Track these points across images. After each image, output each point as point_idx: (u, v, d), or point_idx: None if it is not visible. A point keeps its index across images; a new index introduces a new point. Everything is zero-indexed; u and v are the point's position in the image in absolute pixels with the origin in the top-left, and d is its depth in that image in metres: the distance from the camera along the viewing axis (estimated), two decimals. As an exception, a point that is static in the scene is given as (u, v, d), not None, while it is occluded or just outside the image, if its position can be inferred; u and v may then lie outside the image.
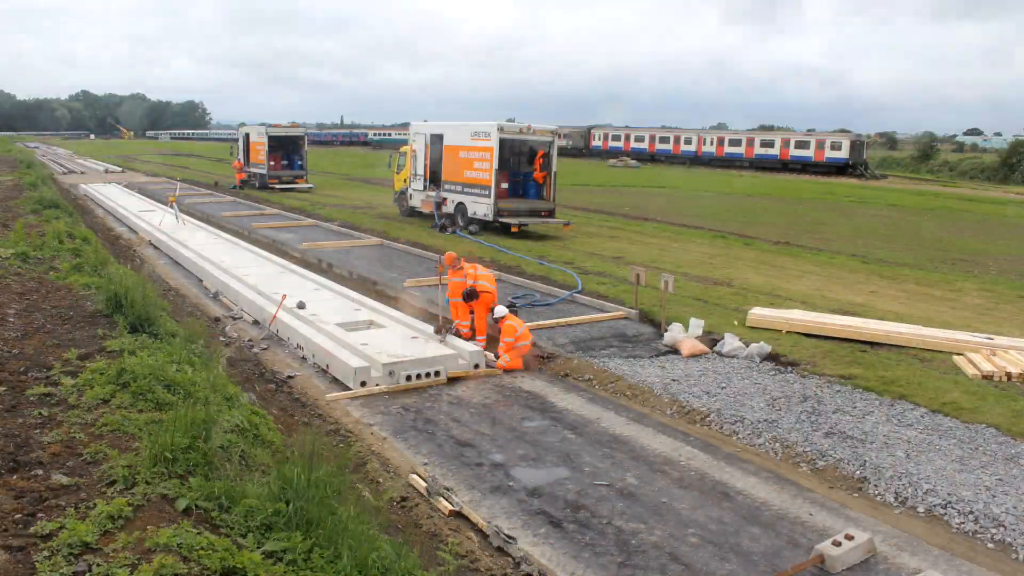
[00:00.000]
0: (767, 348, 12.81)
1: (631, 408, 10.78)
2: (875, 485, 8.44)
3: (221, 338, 13.10)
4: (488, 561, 6.80)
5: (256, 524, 5.21)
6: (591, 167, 70.59)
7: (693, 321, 13.62)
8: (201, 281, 18.18)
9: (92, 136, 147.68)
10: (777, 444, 9.46)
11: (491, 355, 12.57)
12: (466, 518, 7.56)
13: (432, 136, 28.12)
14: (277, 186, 41.39)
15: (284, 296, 14.12)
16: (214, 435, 6.25)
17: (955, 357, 12.51)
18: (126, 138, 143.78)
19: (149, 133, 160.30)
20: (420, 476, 8.32)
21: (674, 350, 13.15)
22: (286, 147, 42.52)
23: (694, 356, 12.78)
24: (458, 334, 13.05)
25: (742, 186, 53.09)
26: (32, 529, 4.64)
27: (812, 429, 9.80)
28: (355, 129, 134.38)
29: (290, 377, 11.53)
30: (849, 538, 6.87)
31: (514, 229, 25.18)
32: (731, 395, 11.03)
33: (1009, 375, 11.56)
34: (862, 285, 18.88)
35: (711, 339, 13.46)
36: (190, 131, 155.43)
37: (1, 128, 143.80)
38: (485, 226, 25.85)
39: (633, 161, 78.78)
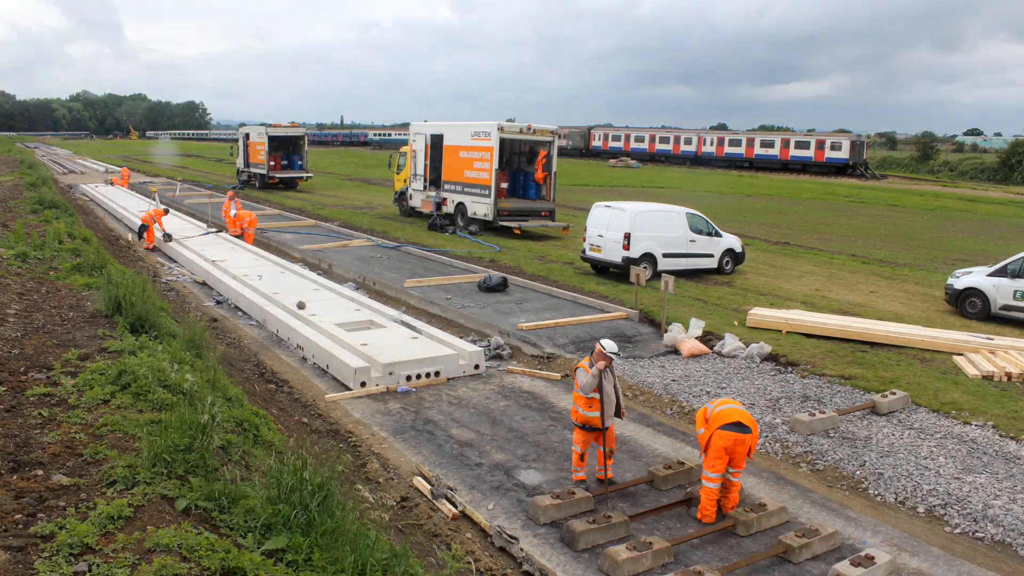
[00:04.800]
0: (767, 348, 12.81)
1: (631, 408, 10.77)
2: (875, 485, 8.44)
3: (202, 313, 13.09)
4: (488, 561, 6.80)
5: (256, 524, 5.20)
6: (591, 167, 70.58)
7: (693, 321, 13.62)
8: (205, 283, 18.20)
9: (93, 137, 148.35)
10: (777, 444, 9.46)
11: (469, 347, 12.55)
12: (468, 518, 7.56)
13: (432, 136, 28.11)
14: (277, 184, 41.50)
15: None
16: (214, 435, 6.25)
17: (955, 357, 12.51)
18: (133, 138, 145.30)
19: (149, 133, 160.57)
20: (424, 477, 8.31)
21: (674, 350, 13.15)
22: (286, 147, 42.54)
23: (694, 356, 12.78)
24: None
25: (742, 186, 53.09)
26: (32, 529, 4.63)
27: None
28: (355, 129, 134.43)
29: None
30: (870, 559, 6.64)
31: (516, 231, 25.21)
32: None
33: (1009, 375, 11.57)
34: (862, 285, 18.89)
35: (711, 339, 13.47)
36: (190, 131, 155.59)
37: (1, 128, 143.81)
38: (485, 226, 25.85)
39: (633, 161, 78.76)
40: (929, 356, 12.72)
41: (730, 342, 13.04)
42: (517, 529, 7.34)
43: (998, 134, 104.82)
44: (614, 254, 18.09)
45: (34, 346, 8.58)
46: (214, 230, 24.79)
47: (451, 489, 8.04)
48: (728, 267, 19.70)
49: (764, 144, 73.77)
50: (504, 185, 26.48)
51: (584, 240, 19.14)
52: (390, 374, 11.19)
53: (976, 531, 7.53)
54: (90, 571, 4.28)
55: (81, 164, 59.95)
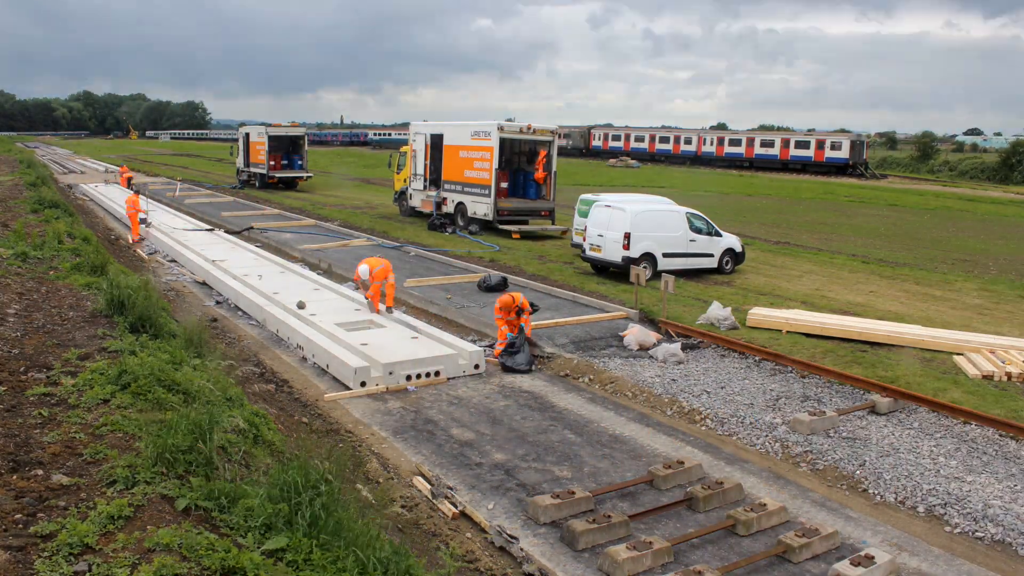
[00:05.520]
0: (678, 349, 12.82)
1: (631, 408, 10.78)
2: (875, 485, 8.44)
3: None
4: (488, 561, 6.80)
5: (256, 524, 5.20)
6: (591, 167, 70.55)
7: (715, 304, 14.42)
8: (205, 282, 18.19)
9: (93, 136, 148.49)
10: (777, 444, 9.45)
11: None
12: (468, 517, 7.56)
13: (432, 136, 28.12)
14: (277, 184, 41.52)
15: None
16: (214, 435, 6.24)
17: (955, 357, 12.51)
18: (133, 138, 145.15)
19: (149, 133, 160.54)
20: (424, 477, 8.31)
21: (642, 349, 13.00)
22: (286, 147, 42.55)
23: (643, 348, 13.05)
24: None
25: (742, 186, 53.08)
26: (32, 529, 4.63)
27: (812, 429, 9.79)
28: (355, 129, 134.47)
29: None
30: (870, 558, 6.62)
31: (515, 236, 25.20)
32: (731, 395, 11.04)
33: (1009, 375, 11.57)
34: (862, 285, 18.89)
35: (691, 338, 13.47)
36: (190, 131, 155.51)
37: (1, 128, 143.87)
38: (485, 226, 25.85)
39: (633, 161, 78.73)
40: (929, 356, 12.72)
41: (663, 349, 12.83)
42: (517, 529, 7.34)
43: (998, 134, 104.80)
44: (614, 254, 18.09)
45: (34, 346, 8.58)
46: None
47: (451, 489, 8.04)
48: (728, 267, 19.70)
49: (764, 144, 73.77)
50: (504, 185, 26.49)
51: (571, 232, 19.17)
52: (390, 374, 11.20)
53: (976, 531, 7.53)
54: (90, 571, 4.28)
55: (81, 164, 59.93)
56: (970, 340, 13.01)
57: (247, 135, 43.40)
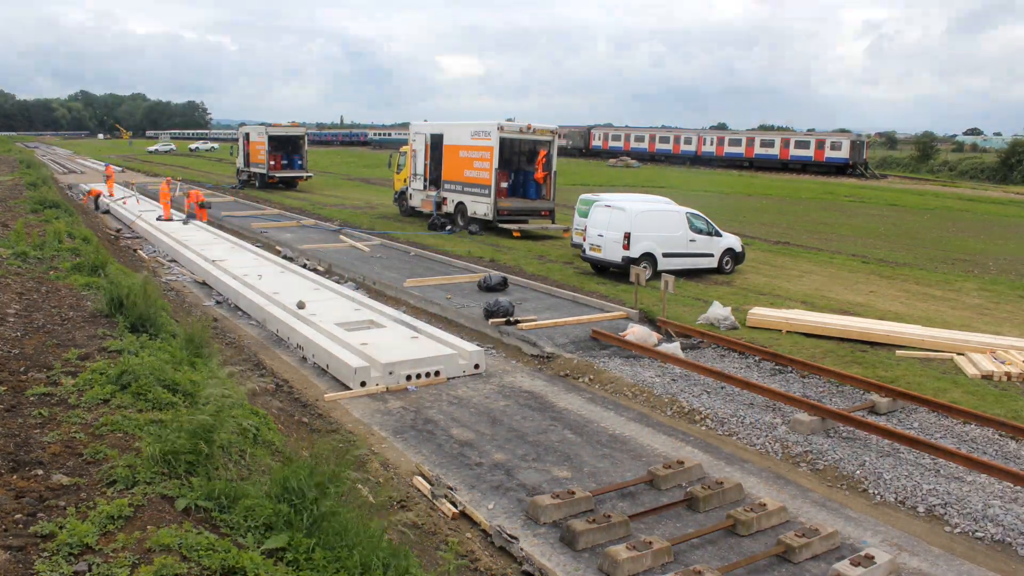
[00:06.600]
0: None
1: (631, 408, 10.78)
2: (875, 485, 8.44)
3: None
4: (488, 561, 6.80)
5: (256, 524, 5.20)
6: (591, 167, 70.56)
7: (715, 304, 14.25)
8: (205, 282, 18.20)
9: (101, 135, 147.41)
10: (777, 444, 9.45)
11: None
12: (467, 517, 7.56)
13: (432, 136, 28.13)
14: (277, 184, 41.53)
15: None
16: (214, 435, 6.24)
17: (956, 357, 12.51)
18: (125, 139, 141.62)
19: (149, 133, 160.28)
20: (424, 477, 8.31)
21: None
22: (286, 147, 42.55)
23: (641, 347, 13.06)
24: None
25: (742, 186, 53.10)
26: (32, 529, 4.63)
27: (811, 429, 9.79)
28: (355, 129, 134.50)
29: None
30: (870, 558, 6.59)
31: (516, 234, 25.22)
32: (731, 395, 11.04)
33: (1009, 375, 11.57)
34: (862, 285, 18.89)
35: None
36: (190, 131, 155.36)
37: (1, 128, 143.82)
38: (485, 225, 25.86)
39: (633, 161, 78.76)
40: (929, 356, 12.72)
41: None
42: (517, 529, 7.34)
43: (998, 134, 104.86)
44: (614, 254, 18.10)
45: (34, 346, 8.58)
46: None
47: (451, 489, 8.04)
48: (728, 267, 19.72)
49: (764, 144, 73.81)
50: (504, 185, 26.51)
51: (569, 233, 19.19)
52: (390, 374, 11.19)
53: (976, 531, 7.53)
54: (90, 571, 4.28)
55: (81, 164, 59.93)
56: (970, 340, 13.02)
57: (247, 135, 43.41)
